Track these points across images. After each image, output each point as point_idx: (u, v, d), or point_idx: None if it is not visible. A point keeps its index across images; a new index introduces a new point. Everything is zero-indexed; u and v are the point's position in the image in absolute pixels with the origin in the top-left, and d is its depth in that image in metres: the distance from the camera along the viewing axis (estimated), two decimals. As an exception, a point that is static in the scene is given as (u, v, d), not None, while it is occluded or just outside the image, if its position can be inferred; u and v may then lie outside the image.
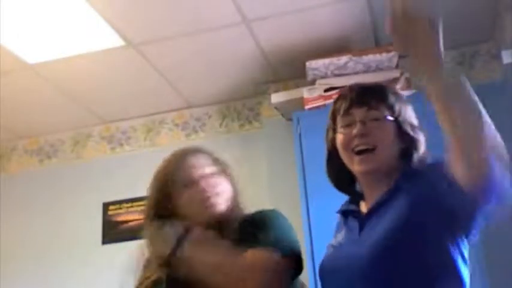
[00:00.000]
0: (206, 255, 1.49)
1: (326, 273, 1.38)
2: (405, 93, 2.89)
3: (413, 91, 2.93)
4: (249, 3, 2.79)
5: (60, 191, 3.78)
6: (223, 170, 1.68)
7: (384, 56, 2.97)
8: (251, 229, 1.54)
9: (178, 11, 2.81)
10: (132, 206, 3.61)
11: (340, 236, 1.43)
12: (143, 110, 3.76)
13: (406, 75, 3.01)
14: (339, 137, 1.40)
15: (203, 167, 1.64)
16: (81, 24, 2.82)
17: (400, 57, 3.03)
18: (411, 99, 2.97)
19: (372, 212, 1.34)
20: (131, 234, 3.52)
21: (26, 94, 3.42)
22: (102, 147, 3.84)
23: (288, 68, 3.33)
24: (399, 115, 1.38)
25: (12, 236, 3.72)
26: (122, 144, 3.81)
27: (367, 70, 3.02)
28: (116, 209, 3.63)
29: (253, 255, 1.45)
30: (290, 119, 3.16)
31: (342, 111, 1.41)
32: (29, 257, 3.65)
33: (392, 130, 1.37)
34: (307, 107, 3.02)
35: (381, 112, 1.37)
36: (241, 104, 3.66)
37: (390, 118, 1.37)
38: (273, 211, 1.71)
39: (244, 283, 1.44)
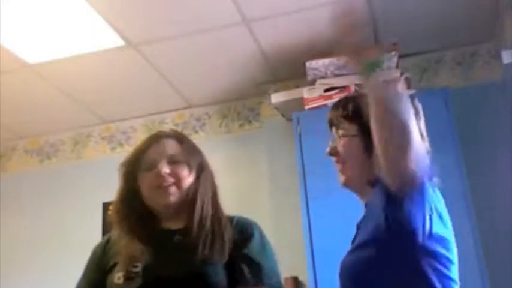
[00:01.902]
0: None
1: (339, 276, 1.43)
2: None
3: (413, 91, 2.94)
4: (249, 3, 2.79)
5: (60, 191, 3.78)
6: (192, 160, 1.66)
7: (383, 56, 2.97)
8: (241, 248, 1.55)
9: (178, 11, 2.81)
10: (132, 206, 3.60)
11: None
12: (143, 110, 3.76)
13: (406, 75, 3.01)
14: None
15: (169, 153, 1.64)
16: (81, 24, 2.82)
17: (400, 57, 3.03)
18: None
19: (360, 223, 1.42)
20: (131, 234, 3.53)
21: (26, 94, 3.42)
22: (102, 147, 3.84)
23: (288, 68, 3.33)
24: (366, 128, 1.36)
25: (12, 235, 3.73)
26: (121, 144, 3.82)
27: (367, 70, 3.01)
28: (116, 209, 3.63)
29: None
30: (290, 119, 3.16)
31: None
32: (29, 256, 3.65)
33: (360, 143, 1.41)
34: (307, 107, 3.02)
35: (344, 130, 1.45)
36: (241, 104, 3.67)
37: (353, 133, 1.43)
38: (256, 228, 1.68)
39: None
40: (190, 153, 1.67)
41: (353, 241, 1.42)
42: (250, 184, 3.45)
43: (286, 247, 3.13)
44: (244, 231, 1.61)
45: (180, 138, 1.71)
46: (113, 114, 3.78)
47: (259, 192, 3.35)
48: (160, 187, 1.60)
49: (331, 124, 1.48)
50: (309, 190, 2.82)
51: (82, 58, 3.11)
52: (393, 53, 2.97)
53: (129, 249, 1.56)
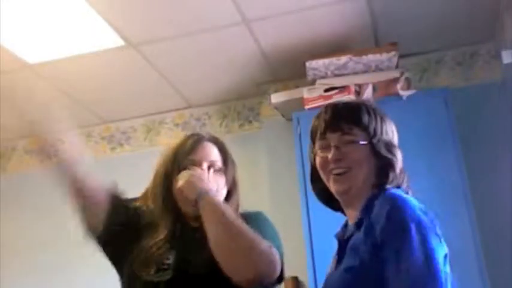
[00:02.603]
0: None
1: None
2: (405, 93, 2.90)
3: (414, 91, 2.94)
4: (249, 3, 2.79)
5: (60, 191, 3.77)
6: (229, 172, 1.67)
7: (383, 56, 2.97)
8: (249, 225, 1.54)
9: (178, 11, 2.81)
10: (132, 206, 3.60)
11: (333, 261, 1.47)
12: (143, 110, 3.76)
13: (406, 75, 3.01)
14: (317, 159, 1.44)
15: (211, 159, 1.63)
16: (81, 24, 2.82)
17: (400, 57, 3.03)
18: (411, 100, 2.98)
19: (347, 240, 1.38)
20: (131, 234, 3.53)
21: (26, 94, 3.42)
22: (102, 147, 3.84)
23: (288, 68, 3.33)
24: (374, 136, 1.40)
25: (12, 236, 3.72)
26: (122, 144, 3.82)
27: (367, 70, 3.02)
28: (116, 209, 3.63)
29: (270, 246, 1.49)
30: (290, 119, 3.16)
31: (318, 135, 1.44)
32: (29, 256, 3.65)
33: (367, 152, 1.39)
34: (307, 107, 3.02)
35: (354, 136, 1.40)
36: (241, 104, 3.67)
37: (363, 142, 1.39)
38: (262, 214, 1.72)
39: (255, 264, 1.45)
40: (228, 165, 1.68)
41: (339, 256, 1.39)
42: (250, 184, 3.43)
43: (286, 247, 3.13)
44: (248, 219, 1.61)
45: (221, 147, 1.70)
46: (113, 114, 3.78)
47: (259, 192, 3.35)
48: None
49: (334, 128, 1.41)
50: (308, 190, 2.81)
51: (82, 58, 3.11)
52: (393, 53, 2.97)
53: (159, 242, 1.57)
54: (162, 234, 1.58)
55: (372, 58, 2.97)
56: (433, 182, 2.71)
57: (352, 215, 1.41)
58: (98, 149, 3.84)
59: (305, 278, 2.81)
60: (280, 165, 3.30)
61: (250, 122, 3.62)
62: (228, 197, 1.66)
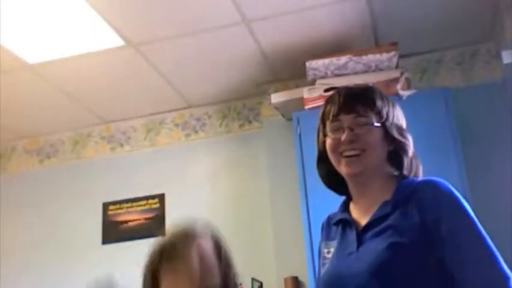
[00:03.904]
0: None
1: (327, 286, 1.39)
2: (405, 93, 2.90)
3: (414, 91, 2.94)
4: (249, 3, 2.79)
5: (60, 191, 3.78)
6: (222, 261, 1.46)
7: (383, 56, 2.97)
8: None
9: (178, 11, 2.81)
10: (132, 206, 3.61)
11: (333, 246, 1.44)
12: (143, 110, 3.76)
13: (406, 75, 3.01)
14: (328, 141, 1.43)
15: (196, 256, 1.41)
16: (81, 24, 2.82)
17: (400, 57, 3.03)
18: (411, 100, 2.97)
19: (369, 226, 1.36)
20: (131, 234, 3.54)
21: (26, 94, 3.42)
22: (102, 147, 3.84)
23: (288, 68, 3.33)
24: (386, 119, 1.42)
25: (12, 235, 3.73)
26: (121, 144, 3.82)
27: (367, 70, 3.02)
28: (116, 209, 3.63)
29: None
30: (290, 119, 3.16)
31: (330, 117, 1.44)
32: (29, 256, 3.65)
33: (380, 134, 1.40)
34: (307, 107, 3.02)
35: (368, 118, 1.40)
36: (241, 104, 3.67)
37: (377, 124, 1.40)
38: None
39: None
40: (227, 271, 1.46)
41: (350, 239, 1.38)
42: (250, 184, 3.45)
43: (286, 247, 3.14)
44: None
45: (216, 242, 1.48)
46: (113, 114, 3.78)
47: (259, 192, 3.35)
48: None
49: (349, 110, 1.40)
50: (308, 190, 2.83)
51: (82, 58, 3.11)
52: (393, 53, 2.97)
53: None
54: None
55: (372, 58, 2.97)
56: (433, 182, 2.71)
57: (367, 197, 1.41)
58: (98, 149, 3.84)
59: (305, 278, 2.82)
60: (280, 165, 3.30)
61: (250, 122, 3.62)
62: None
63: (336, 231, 1.47)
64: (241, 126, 3.64)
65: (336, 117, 1.42)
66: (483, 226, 2.79)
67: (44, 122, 3.79)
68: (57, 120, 3.79)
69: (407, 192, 1.35)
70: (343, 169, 1.40)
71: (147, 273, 1.47)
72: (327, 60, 3.01)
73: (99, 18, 2.78)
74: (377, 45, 3.16)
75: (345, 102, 1.42)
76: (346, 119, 1.40)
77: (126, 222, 3.59)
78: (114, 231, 3.59)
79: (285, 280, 3.00)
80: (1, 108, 3.50)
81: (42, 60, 3.11)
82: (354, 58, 2.99)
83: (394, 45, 3.01)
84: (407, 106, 2.86)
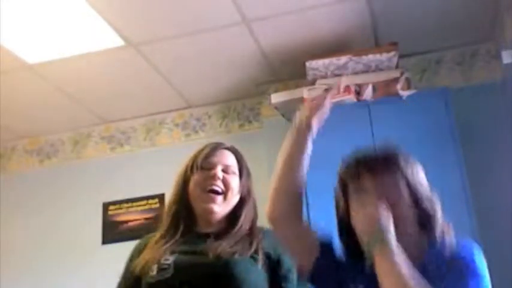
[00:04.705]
0: None
1: None
2: (405, 93, 2.90)
3: (414, 91, 2.94)
4: (249, 3, 2.79)
5: (60, 191, 3.78)
6: (244, 179, 1.72)
7: (383, 56, 2.97)
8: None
9: (178, 11, 2.81)
10: (132, 206, 3.61)
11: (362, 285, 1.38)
12: (143, 110, 3.76)
13: (406, 75, 3.01)
14: (354, 216, 1.36)
15: (226, 163, 1.69)
16: (81, 24, 2.82)
17: (400, 57, 3.03)
18: (411, 100, 2.98)
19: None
20: (131, 234, 3.53)
21: (26, 94, 3.42)
22: (102, 147, 3.84)
23: (288, 68, 3.33)
24: (416, 192, 1.38)
25: (12, 235, 3.73)
26: (121, 144, 3.82)
27: (367, 70, 3.02)
28: (116, 209, 3.63)
29: None
30: (290, 119, 3.16)
31: (353, 188, 1.37)
32: (29, 256, 3.65)
33: (410, 206, 1.35)
34: (307, 107, 3.02)
35: (398, 194, 1.34)
36: (241, 104, 3.66)
37: (408, 200, 1.35)
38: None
39: None
40: (244, 173, 1.74)
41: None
42: (250, 184, 3.45)
43: (286, 247, 3.14)
44: (276, 247, 1.63)
45: (238, 156, 1.76)
46: (113, 114, 3.78)
47: (259, 192, 3.34)
48: (210, 191, 1.63)
49: (377, 184, 1.32)
50: (308, 190, 2.82)
51: (82, 58, 3.11)
52: (393, 53, 2.97)
53: (162, 245, 1.60)
54: (163, 238, 1.62)
55: (372, 58, 2.97)
56: (433, 182, 2.70)
57: None
58: (98, 149, 3.84)
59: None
60: (280, 165, 3.29)
61: (250, 122, 3.62)
62: (240, 205, 1.69)
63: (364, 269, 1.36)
64: (241, 126, 3.64)
65: (360, 190, 1.35)
66: (483, 225, 2.78)
67: (44, 122, 3.79)
68: (57, 120, 3.79)
69: (441, 259, 1.31)
70: None
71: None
72: (327, 60, 3.01)
73: (99, 18, 2.78)
74: (377, 45, 3.16)
75: (370, 174, 1.35)
76: (373, 192, 1.32)
77: (126, 222, 3.59)
78: (114, 231, 3.59)
79: (285, 280, 2.99)
80: (1, 108, 3.50)
81: (42, 60, 3.10)
82: (354, 58, 2.99)
83: (394, 45, 3.01)
84: (407, 106, 2.89)
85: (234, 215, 1.66)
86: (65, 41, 2.95)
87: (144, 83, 3.43)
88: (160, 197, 3.57)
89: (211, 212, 1.63)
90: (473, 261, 1.29)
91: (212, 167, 1.66)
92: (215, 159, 1.68)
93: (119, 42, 2.99)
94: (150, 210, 3.56)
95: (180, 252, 1.57)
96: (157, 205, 3.56)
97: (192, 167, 1.68)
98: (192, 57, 3.21)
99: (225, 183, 1.65)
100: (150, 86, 3.46)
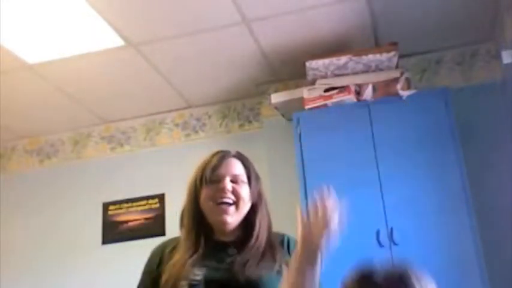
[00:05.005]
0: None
1: None
2: (405, 93, 2.91)
3: (414, 91, 2.94)
4: (249, 3, 2.79)
5: (60, 191, 3.78)
6: (253, 185, 1.72)
7: (383, 56, 2.97)
8: None
9: (178, 11, 2.81)
10: (132, 206, 3.61)
11: None
12: (143, 110, 3.76)
13: (406, 75, 3.01)
14: None
15: (234, 173, 1.69)
16: (81, 24, 2.82)
17: (400, 57, 3.03)
18: (411, 100, 2.98)
19: None
20: (131, 234, 3.54)
21: (26, 94, 3.42)
22: (102, 147, 3.84)
23: (288, 68, 3.33)
24: None
25: (12, 235, 3.73)
26: (121, 144, 3.82)
27: (367, 70, 3.02)
28: (116, 209, 3.63)
29: None
30: (290, 119, 3.16)
31: None
32: (28, 256, 3.65)
33: None
34: (307, 107, 3.02)
35: None
36: (241, 104, 3.67)
37: None
38: None
39: None
40: (253, 179, 1.73)
41: None
42: (250, 184, 3.45)
43: (286, 247, 3.14)
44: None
45: (245, 162, 1.76)
46: (113, 114, 3.78)
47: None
48: (221, 203, 1.64)
49: None
50: (308, 190, 2.83)
51: (82, 58, 3.11)
52: (393, 53, 2.97)
53: (187, 260, 1.60)
54: (186, 253, 1.61)
55: (372, 58, 2.97)
56: (433, 181, 2.71)
57: None
58: (98, 149, 3.84)
59: (305, 278, 2.81)
60: (280, 165, 3.30)
61: (250, 122, 3.62)
62: (253, 211, 1.70)
63: None
64: (241, 126, 3.64)
65: None
66: (483, 225, 2.79)
67: (44, 122, 3.79)
68: (57, 120, 3.79)
69: None
70: None
71: None
72: (327, 60, 3.01)
73: (99, 18, 2.78)
74: (377, 45, 3.16)
75: None
76: None
77: (126, 222, 3.59)
78: (114, 231, 3.59)
79: (285, 280, 2.99)
80: (1, 108, 3.50)
81: (42, 60, 3.11)
82: (354, 58, 2.99)
83: (394, 45, 3.01)
84: (407, 106, 2.89)
85: (248, 221, 1.68)
86: (65, 41, 2.95)
87: (144, 83, 3.43)
88: (160, 197, 3.57)
89: (224, 223, 1.65)
90: None
91: (221, 179, 1.67)
92: (223, 170, 1.69)
93: (119, 42, 2.99)
94: (150, 210, 3.56)
95: (208, 267, 1.58)
96: (157, 205, 3.56)
97: (201, 179, 1.69)
98: (192, 57, 3.21)
99: (235, 193, 1.66)
100: (150, 86, 3.46)
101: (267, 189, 3.28)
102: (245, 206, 1.68)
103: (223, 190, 1.64)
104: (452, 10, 2.94)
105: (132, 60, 3.18)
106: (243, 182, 1.69)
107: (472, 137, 2.97)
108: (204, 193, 1.66)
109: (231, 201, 1.65)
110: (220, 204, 1.64)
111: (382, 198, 2.72)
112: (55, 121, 3.80)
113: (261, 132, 3.50)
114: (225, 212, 1.64)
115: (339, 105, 2.97)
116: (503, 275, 2.73)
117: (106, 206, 3.66)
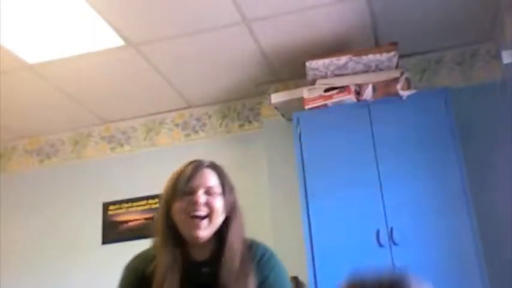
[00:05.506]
0: None
1: None
2: (405, 93, 2.91)
3: (414, 91, 2.94)
4: (249, 3, 2.79)
5: (60, 191, 3.78)
6: (227, 197, 1.68)
7: (383, 56, 2.97)
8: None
9: (178, 11, 2.81)
10: (132, 206, 3.61)
11: None
12: (143, 110, 3.76)
13: (406, 75, 3.01)
14: None
15: (208, 185, 1.66)
16: (81, 24, 2.82)
17: (400, 57, 3.03)
18: (411, 100, 2.98)
19: None
20: (131, 234, 3.54)
21: (26, 94, 3.42)
22: (102, 147, 3.84)
23: (288, 68, 3.33)
24: None
25: (12, 235, 3.73)
26: (121, 144, 3.82)
27: (367, 70, 3.02)
28: (116, 209, 3.63)
29: None
30: (290, 119, 3.16)
31: None
32: (29, 256, 3.65)
33: None
34: (307, 107, 3.02)
35: None
36: (241, 104, 3.67)
37: None
38: (272, 258, 1.70)
39: None
40: (227, 190, 1.70)
41: None
42: (250, 184, 3.45)
43: (286, 247, 3.14)
44: (263, 268, 1.64)
45: (220, 172, 1.73)
46: (113, 114, 3.78)
47: (259, 192, 3.35)
48: (193, 217, 1.61)
49: None
50: (308, 190, 2.83)
51: (82, 58, 3.11)
52: (393, 53, 2.97)
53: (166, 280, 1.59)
54: (165, 274, 1.60)
55: (371, 58, 2.97)
56: (433, 181, 2.72)
57: None
58: (98, 149, 3.84)
59: (305, 278, 2.81)
60: (280, 165, 3.30)
61: (250, 122, 3.63)
62: (227, 223, 1.66)
63: None
64: (241, 126, 3.64)
65: None
66: (483, 226, 2.79)
67: (44, 122, 3.79)
68: (57, 120, 3.79)
69: None
70: None
71: None
72: (327, 60, 3.01)
73: (99, 18, 2.78)
74: (377, 45, 3.16)
75: None
76: None
77: (126, 222, 3.59)
78: (114, 231, 3.59)
79: (285, 280, 2.99)
80: (1, 108, 3.50)
81: (42, 60, 3.11)
82: (354, 58, 2.99)
83: (394, 45, 3.01)
84: (407, 106, 2.89)
85: (221, 234, 1.65)
86: (65, 41, 2.95)
87: (144, 83, 3.43)
88: (160, 197, 3.56)
89: (196, 237, 1.62)
90: None
91: (194, 190, 1.64)
92: (196, 182, 1.66)
93: (119, 42, 2.99)
94: (150, 210, 3.56)
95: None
96: (157, 205, 3.56)
97: (174, 191, 1.67)
98: (192, 57, 3.21)
99: (209, 206, 1.63)
100: (150, 86, 3.46)
101: (267, 189, 3.31)
102: (218, 218, 1.64)
103: (196, 203, 1.61)
104: (452, 10, 2.94)
105: (132, 60, 3.18)
106: (216, 193, 1.66)
107: (472, 137, 2.97)
108: (177, 205, 1.64)
109: (203, 214, 1.61)
110: (192, 218, 1.61)
111: (382, 198, 2.71)
112: (55, 121, 3.80)
113: (261, 132, 3.50)
114: (198, 227, 1.60)
115: (339, 105, 2.97)
116: (503, 275, 2.73)
117: (106, 206, 3.66)
